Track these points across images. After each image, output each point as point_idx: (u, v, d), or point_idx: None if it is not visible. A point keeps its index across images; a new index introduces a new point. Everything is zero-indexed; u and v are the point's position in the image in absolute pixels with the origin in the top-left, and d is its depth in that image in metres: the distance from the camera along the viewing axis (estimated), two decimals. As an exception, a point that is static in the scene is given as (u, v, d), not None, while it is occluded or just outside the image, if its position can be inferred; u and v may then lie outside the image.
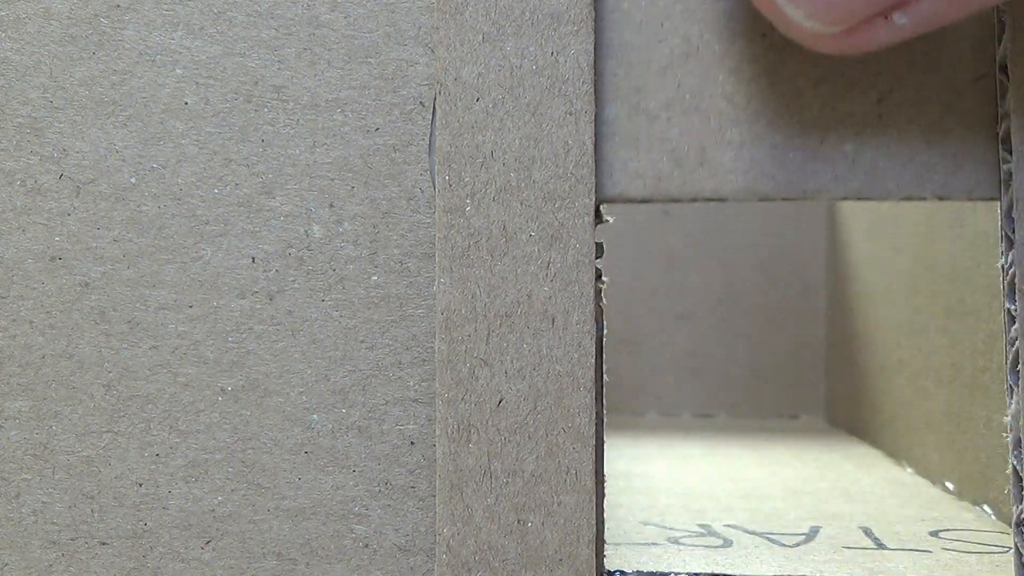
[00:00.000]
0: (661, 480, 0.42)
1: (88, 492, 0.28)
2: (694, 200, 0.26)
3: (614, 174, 0.26)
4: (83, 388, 0.28)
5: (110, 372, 0.28)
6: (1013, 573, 0.26)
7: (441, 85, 0.26)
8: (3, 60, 0.28)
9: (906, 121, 0.26)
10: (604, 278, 0.27)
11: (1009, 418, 0.26)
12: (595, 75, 0.26)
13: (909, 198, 0.26)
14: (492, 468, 0.26)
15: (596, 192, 0.26)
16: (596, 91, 0.26)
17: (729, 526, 0.34)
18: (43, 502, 0.28)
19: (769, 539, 0.32)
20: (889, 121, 0.26)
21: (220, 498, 0.28)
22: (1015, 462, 0.26)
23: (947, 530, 0.34)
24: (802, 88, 0.26)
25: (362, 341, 0.27)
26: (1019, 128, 0.25)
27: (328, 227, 0.27)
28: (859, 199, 0.26)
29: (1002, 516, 0.35)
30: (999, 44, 0.26)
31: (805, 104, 0.26)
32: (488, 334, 0.26)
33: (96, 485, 0.28)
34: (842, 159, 0.26)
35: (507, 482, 0.26)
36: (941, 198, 0.26)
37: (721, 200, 0.26)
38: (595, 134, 0.26)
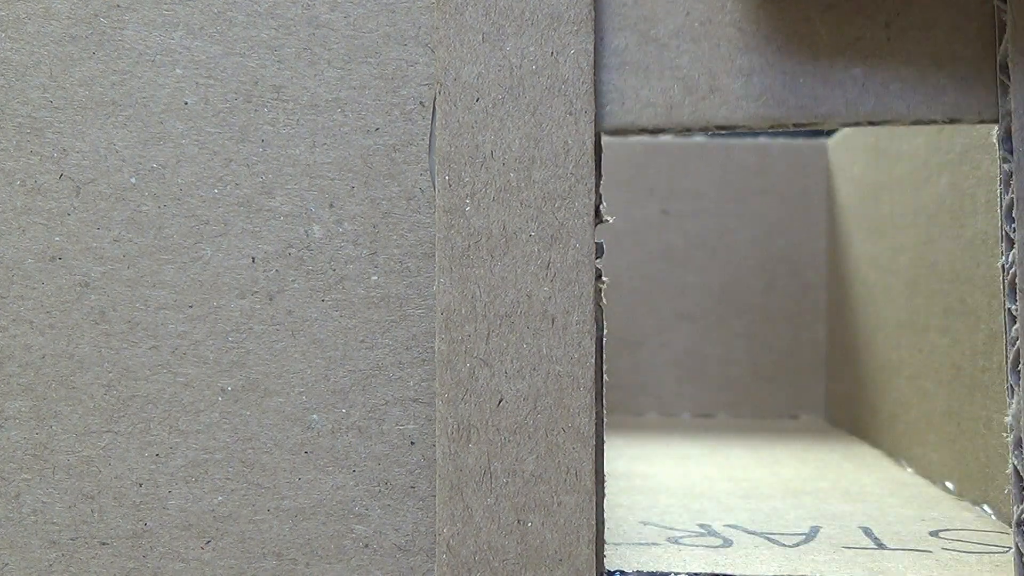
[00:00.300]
0: (661, 480, 0.42)
1: (88, 492, 0.28)
2: (706, 129, 0.26)
3: (625, 103, 0.26)
4: (83, 388, 0.28)
5: (110, 372, 0.28)
6: (1013, 573, 0.26)
7: (441, 85, 0.26)
8: (3, 60, 0.28)
9: (914, 45, 0.26)
10: (604, 278, 0.27)
11: (1010, 418, 0.26)
12: (602, 4, 0.26)
13: (920, 121, 0.26)
14: (492, 468, 0.26)
15: (606, 121, 0.26)
16: (603, 21, 0.26)
17: (729, 526, 0.34)
18: (43, 502, 0.28)
19: (769, 539, 0.32)
20: (898, 45, 0.26)
21: (220, 498, 0.28)
22: (1016, 462, 0.26)
23: (947, 530, 0.34)
24: (810, 14, 0.26)
25: (362, 341, 0.27)
26: (1020, 128, 0.25)
27: (328, 227, 0.27)
28: (870, 123, 0.26)
29: (1002, 516, 0.35)
30: (999, 44, 0.26)
31: (814, 30, 0.26)
32: (488, 334, 0.26)
33: (96, 485, 0.28)
34: (852, 83, 0.26)
35: (507, 482, 0.26)
36: (952, 120, 0.26)
37: (734, 128, 0.26)
38: (603, 64, 0.26)
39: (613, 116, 0.26)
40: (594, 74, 0.26)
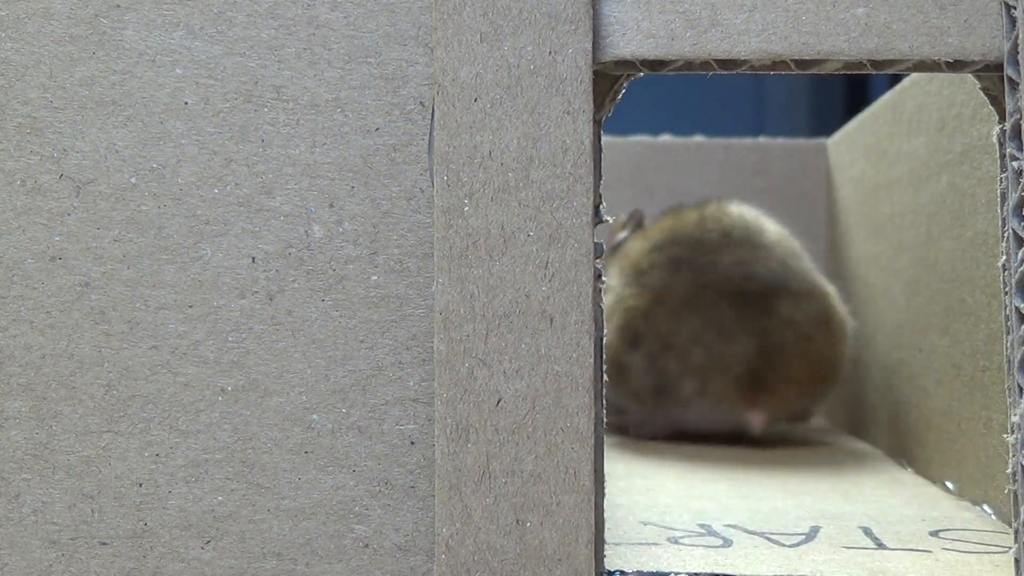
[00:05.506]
0: (661, 480, 0.42)
1: (88, 492, 0.28)
2: (707, 63, 0.26)
3: (627, 34, 0.26)
4: (83, 388, 0.28)
5: (110, 372, 0.28)
6: (1013, 573, 0.26)
7: (439, 85, 0.26)
8: (3, 60, 0.28)
9: None
10: (603, 278, 0.27)
11: (1016, 417, 0.26)
12: None
13: (922, 63, 0.26)
14: (491, 468, 0.26)
15: (607, 52, 0.26)
16: None
17: (729, 526, 0.34)
18: (43, 502, 0.28)
19: (769, 539, 0.32)
20: None
21: (220, 498, 0.28)
22: (1022, 461, 0.26)
23: (947, 530, 0.34)
24: None
25: (362, 341, 0.27)
26: None
27: (328, 227, 0.28)
28: (872, 62, 0.26)
29: (1002, 516, 0.35)
30: (1008, 39, 0.26)
31: None
32: (487, 334, 0.26)
33: (96, 485, 0.28)
34: (855, 22, 0.26)
35: (506, 482, 0.26)
36: (955, 61, 0.26)
37: (735, 62, 0.26)
38: None
39: (614, 47, 0.26)
40: (593, 5, 0.26)
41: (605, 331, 0.27)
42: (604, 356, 0.27)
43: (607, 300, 0.53)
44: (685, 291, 0.51)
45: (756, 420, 0.50)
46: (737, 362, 0.50)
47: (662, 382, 0.51)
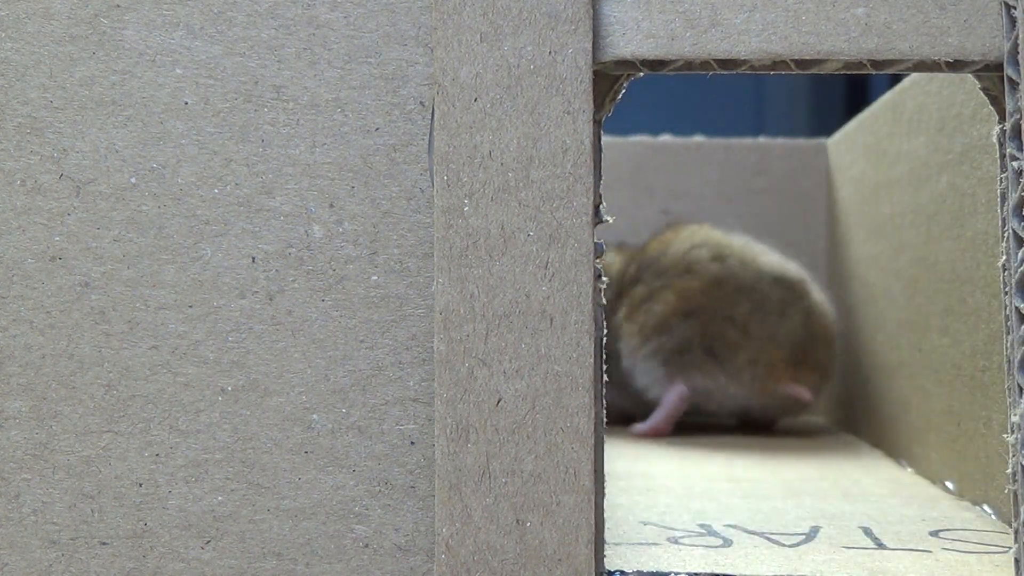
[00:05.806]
0: (661, 480, 0.42)
1: (88, 492, 0.28)
2: (707, 63, 0.26)
3: (627, 33, 0.26)
4: (83, 388, 0.28)
5: (110, 372, 0.28)
6: (1013, 573, 0.26)
7: (439, 85, 0.26)
8: (3, 60, 0.28)
9: None
10: (604, 278, 0.27)
11: (1017, 417, 0.26)
12: None
13: (922, 63, 0.26)
14: (491, 468, 0.26)
15: (607, 52, 0.26)
16: None
17: (729, 526, 0.34)
18: (43, 502, 0.28)
19: (769, 539, 0.32)
20: None
21: (220, 498, 0.28)
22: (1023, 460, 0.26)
23: (947, 530, 0.34)
24: None
25: (362, 341, 0.27)
26: None
27: (328, 227, 0.28)
28: (872, 62, 0.26)
29: (1002, 516, 0.35)
30: (1008, 39, 0.26)
31: None
32: (487, 334, 0.26)
33: (96, 485, 0.28)
34: (855, 22, 0.26)
35: (506, 482, 0.26)
36: (955, 61, 0.26)
37: (735, 62, 0.26)
38: None
39: (614, 47, 0.26)
40: (593, 5, 0.26)
41: (605, 330, 0.27)
42: (652, 323, 0.27)
43: (638, 291, 0.58)
44: (740, 275, 0.57)
45: (804, 394, 0.56)
46: (789, 336, 0.56)
47: (715, 346, 0.56)
